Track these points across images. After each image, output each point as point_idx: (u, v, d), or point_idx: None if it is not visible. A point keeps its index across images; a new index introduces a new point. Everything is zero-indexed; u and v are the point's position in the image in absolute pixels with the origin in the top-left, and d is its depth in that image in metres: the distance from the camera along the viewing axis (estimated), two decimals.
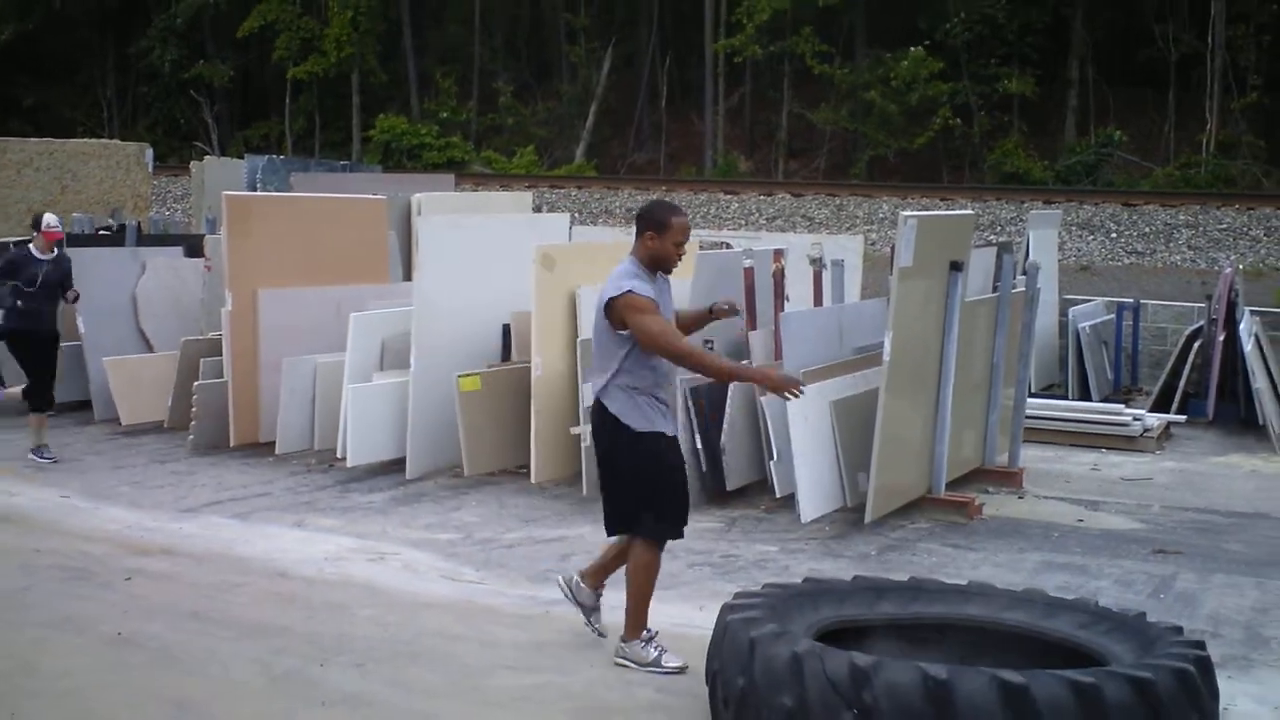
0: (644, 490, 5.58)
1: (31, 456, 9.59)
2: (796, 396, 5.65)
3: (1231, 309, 11.76)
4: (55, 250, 9.81)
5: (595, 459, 5.91)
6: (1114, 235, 18.71)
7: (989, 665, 4.44)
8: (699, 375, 8.72)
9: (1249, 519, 8.54)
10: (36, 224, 9.89)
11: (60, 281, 9.84)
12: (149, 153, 19.04)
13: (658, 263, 5.59)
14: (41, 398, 9.83)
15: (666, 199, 6.19)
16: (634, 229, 5.67)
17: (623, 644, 5.67)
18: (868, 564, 7.17)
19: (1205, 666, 4.60)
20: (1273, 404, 11.29)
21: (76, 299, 10.05)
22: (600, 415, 5.61)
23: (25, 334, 9.82)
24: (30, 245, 9.84)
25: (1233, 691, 5.36)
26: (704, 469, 8.58)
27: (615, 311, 5.47)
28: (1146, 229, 18.86)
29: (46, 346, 9.95)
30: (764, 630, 4.65)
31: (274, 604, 6.46)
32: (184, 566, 7.09)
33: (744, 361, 8.64)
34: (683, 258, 5.70)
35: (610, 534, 5.84)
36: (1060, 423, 10.81)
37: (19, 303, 9.70)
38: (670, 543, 7.51)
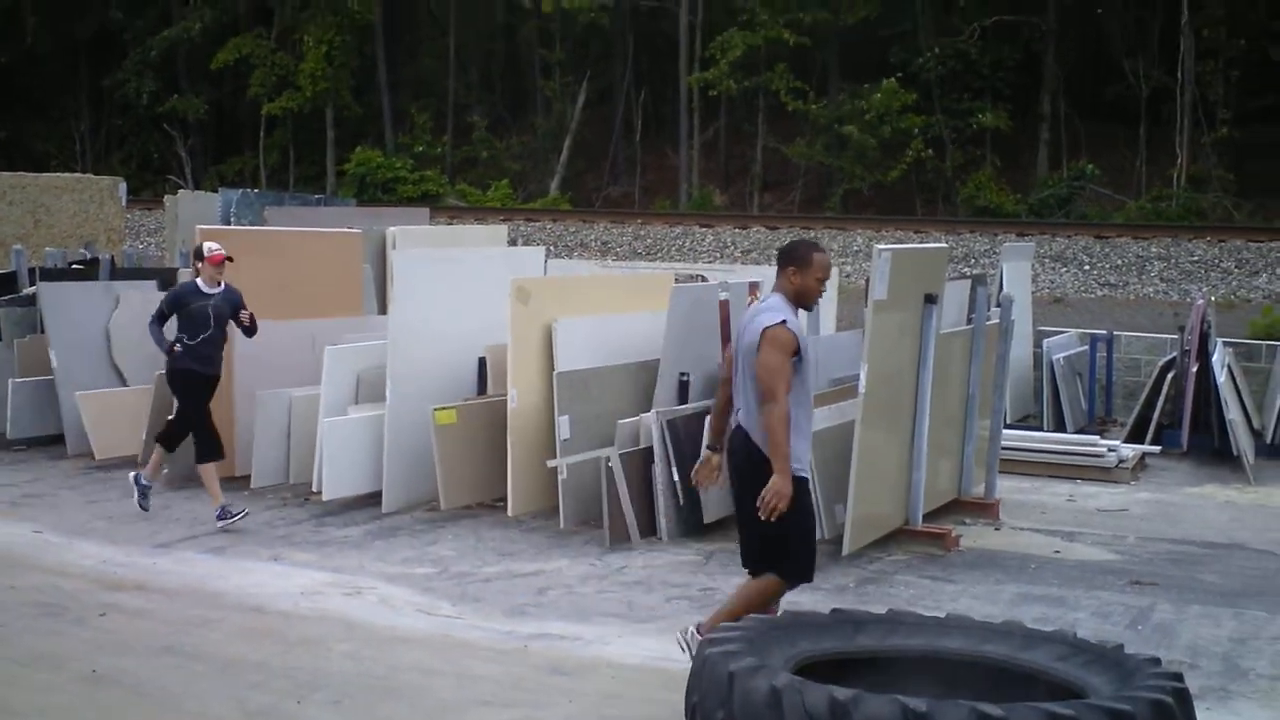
0: (787, 530, 5.62)
1: (221, 524, 8.57)
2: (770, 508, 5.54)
3: (1204, 340, 11.84)
4: (223, 283, 8.90)
5: (736, 490, 5.87)
6: (1086, 267, 18.83)
7: (968, 698, 4.42)
8: (678, 410, 8.82)
9: (1225, 550, 8.58)
10: (199, 253, 8.92)
11: (231, 316, 8.92)
12: (122, 186, 18.97)
13: (801, 298, 5.75)
14: (210, 445, 8.89)
15: (808, 239, 6.31)
16: (775, 267, 5.86)
17: (697, 632, 5.65)
18: (845, 596, 7.16)
19: (1183, 698, 4.60)
20: (1246, 435, 11.36)
21: (252, 325, 8.99)
22: (754, 451, 5.62)
23: (193, 375, 8.85)
24: (197, 279, 8.90)
25: None
26: (681, 503, 8.56)
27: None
28: (1119, 261, 18.99)
29: (210, 390, 9.02)
30: (743, 664, 4.63)
31: (249, 639, 6.40)
32: (158, 602, 7.03)
33: None
34: (824, 294, 5.87)
35: (749, 567, 5.87)
36: (1036, 454, 10.85)
37: (186, 340, 8.75)
38: (648, 576, 7.59)
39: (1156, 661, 4.91)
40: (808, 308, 5.87)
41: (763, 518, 5.49)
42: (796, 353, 5.60)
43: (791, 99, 29.84)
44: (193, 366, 8.82)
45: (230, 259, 8.91)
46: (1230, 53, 27.93)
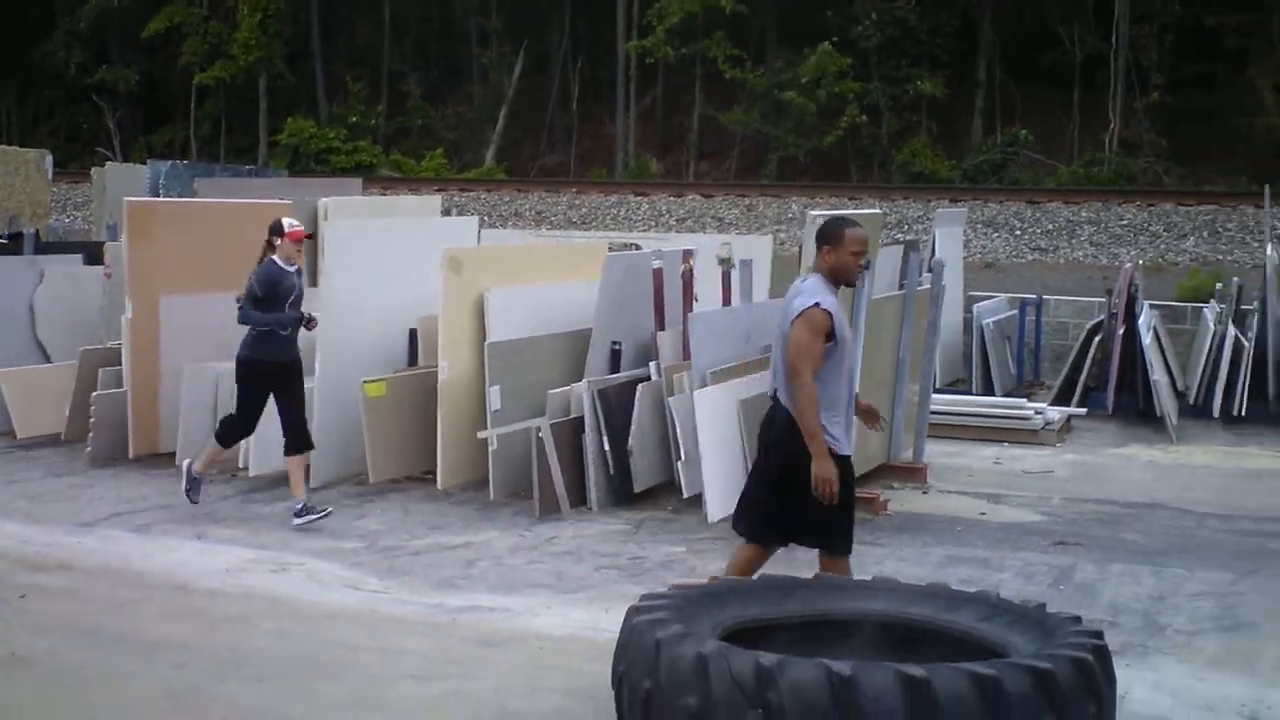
0: (833, 508, 5.68)
1: (298, 522, 7.96)
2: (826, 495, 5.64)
3: (1131, 303, 12.00)
4: (297, 263, 8.24)
5: (762, 465, 5.94)
6: (1018, 233, 19.01)
7: (894, 660, 4.47)
8: (610, 379, 8.83)
9: (1147, 509, 8.72)
10: (277, 229, 8.10)
11: (301, 296, 8.28)
12: (48, 159, 18.64)
13: (838, 274, 5.78)
14: (304, 435, 8.28)
15: (843, 215, 6.35)
16: (814, 247, 5.92)
17: None
18: (775, 562, 7.14)
19: (1103, 655, 4.66)
20: (1170, 396, 11.54)
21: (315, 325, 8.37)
22: (788, 420, 5.68)
23: (277, 366, 8.14)
24: (274, 257, 8.12)
25: (1130, 679, 5.45)
26: (611, 472, 8.57)
27: None
28: (1050, 226, 19.20)
29: (298, 374, 8.34)
30: (670, 631, 4.63)
31: (174, 618, 6.33)
32: (81, 582, 6.93)
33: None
34: (863, 268, 5.94)
35: (761, 542, 5.94)
36: (964, 418, 10.96)
37: (280, 330, 8.06)
38: (578, 546, 7.60)
39: (1077, 620, 4.98)
40: (849, 283, 5.95)
41: (825, 503, 5.59)
42: (831, 335, 5.64)
43: (729, 67, 29.83)
44: (276, 358, 8.11)
45: (311, 235, 8.21)
46: (1165, 18, 28.20)
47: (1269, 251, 12.77)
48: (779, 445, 5.76)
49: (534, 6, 34.53)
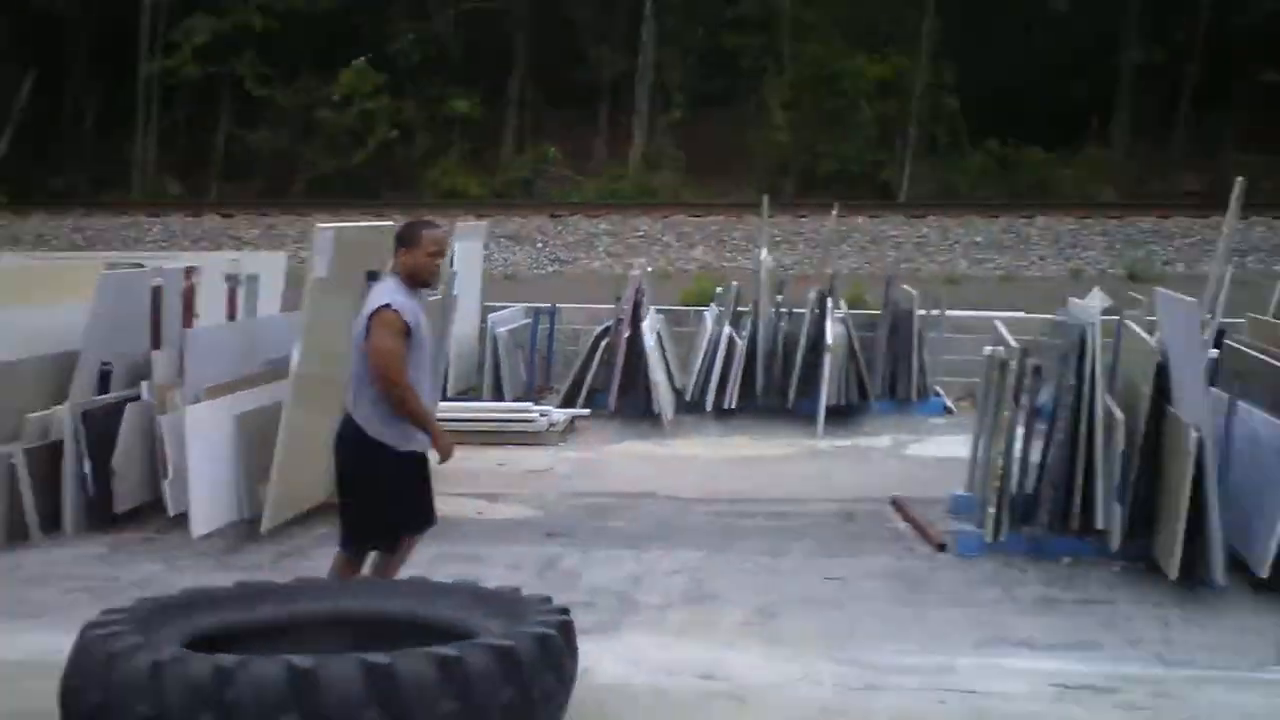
0: (386, 502, 5.76)
1: None
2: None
3: (637, 309, 12.61)
4: None
5: (339, 475, 5.92)
6: (540, 245, 19.64)
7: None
8: (98, 401, 8.40)
9: (636, 498, 9.19)
10: None
11: None
12: None
13: (415, 276, 5.80)
14: None
15: (423, 219, 6.40)
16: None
17: None
18: (261, 574, 7.02)
19: (566, 630, 4.89)
20: (668, 393, 12.23)
21: None
22: (356, 432, 5.64)
23: None
24: None
25: (600, 652, 5.71)
26: (91, 494, 8.14)
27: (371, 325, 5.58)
28: (571, 238, 19.94)
29: None
30: (125, 643, 4.47)
31: None
32: None
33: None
34: (439, 270, 6.01)
35: (353, 552, 5.92)
36: (472, 423, 11.13)
37: None
38: (46, 571, 7.19)
39: (547, 600, 5.19)
40: (427, 285, 5.94)
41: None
42: (408, 333, 5.62)
43: (258, 85, 29.09)
44: None
45: None
46: (689, 41, 29.87)
47: (762, 255, 13.75)
48: (343, 455, 5.82)
49: (46, 22, 32.34)
